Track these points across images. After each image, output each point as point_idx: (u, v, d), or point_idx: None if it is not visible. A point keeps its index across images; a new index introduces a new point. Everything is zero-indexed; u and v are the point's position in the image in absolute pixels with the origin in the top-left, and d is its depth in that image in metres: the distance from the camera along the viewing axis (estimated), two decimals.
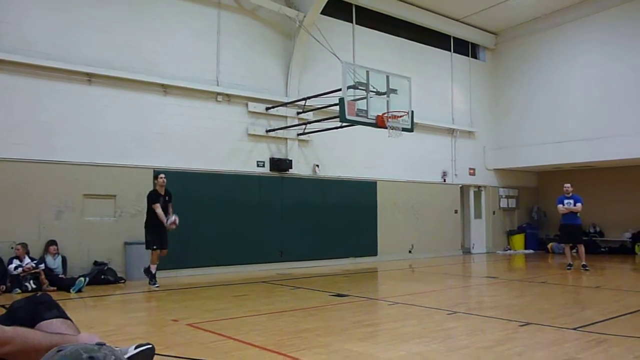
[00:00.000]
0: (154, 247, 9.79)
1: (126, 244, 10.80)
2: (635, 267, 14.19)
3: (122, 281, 10.39)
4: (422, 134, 15.98)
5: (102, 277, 10.08)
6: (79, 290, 9.06)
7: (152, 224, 9.83)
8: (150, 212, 9.87)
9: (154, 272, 9.85)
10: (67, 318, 2.78)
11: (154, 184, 10.18)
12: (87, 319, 6.74)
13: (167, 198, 10.09)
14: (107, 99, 10.84)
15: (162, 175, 10.03)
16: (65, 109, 10.36)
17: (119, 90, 11.01)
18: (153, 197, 9.89)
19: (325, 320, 6.71)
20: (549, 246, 18.34)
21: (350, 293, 8.90)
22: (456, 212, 17.75)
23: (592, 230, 18.15)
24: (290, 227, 13.32)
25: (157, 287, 9.67)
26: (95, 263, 10.34)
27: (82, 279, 9.25)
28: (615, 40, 16.00)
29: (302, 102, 12.75)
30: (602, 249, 17.72)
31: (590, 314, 7.00)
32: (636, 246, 17.07)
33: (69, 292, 8.98)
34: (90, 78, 10.64)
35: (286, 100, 13.21)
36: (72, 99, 10.46)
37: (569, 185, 12.68)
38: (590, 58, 16.63)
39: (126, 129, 11.04)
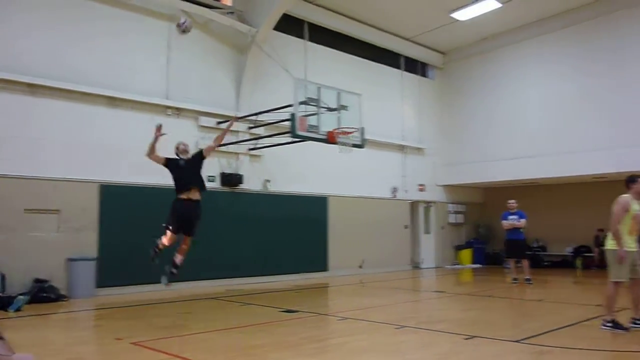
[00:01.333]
0: (169, 226, 7.84)
1: (69, 260, 10.42)
2: (576, 280, 14.72)
3: (65, 299, 10.00)
4: (372, 150, 16.16)
5: (43, 294, 9.66)
6: (18, 309, 8.66)
7: (176, 201, 7.81)
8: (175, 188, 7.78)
9: (160, 246, 8.01)
10: (1, 338, 2.66)
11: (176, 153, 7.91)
12: (27, 338, 6.45)
13: (193, 157, 7.87)
14: (51, 110, 10.49)
15: (183, 141, 7.99)
16: (6, 121, 9.96)
17: (64, 102, 10.66)
18: (168, 160, 7.73)
19: (276, 336, 6.65)
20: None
21: (301, 308, 8.86)
22: (406, 227, 18.00)
23: (535, 245, 18.73)
24: (241, 243, 13.17)
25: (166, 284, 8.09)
26: (36, 280, 9.93)
27: (21, 297, 8.86)
28: (560, 60, 16.58)
29: (254, 117, 12.71)
30: (545, 263, 18.31)
31: (533, 326, 7.19)
32: (577, 260, 17.71)
33: (7, 311, 8.58)
34: (32, 89, 10.30)
35: (237, 115, 13.12)
36: (14, 110, 10.07)
37: (513, 201, 13.07)
38: (535, 78, 17.22)
39: (72, 142, 10.69)
